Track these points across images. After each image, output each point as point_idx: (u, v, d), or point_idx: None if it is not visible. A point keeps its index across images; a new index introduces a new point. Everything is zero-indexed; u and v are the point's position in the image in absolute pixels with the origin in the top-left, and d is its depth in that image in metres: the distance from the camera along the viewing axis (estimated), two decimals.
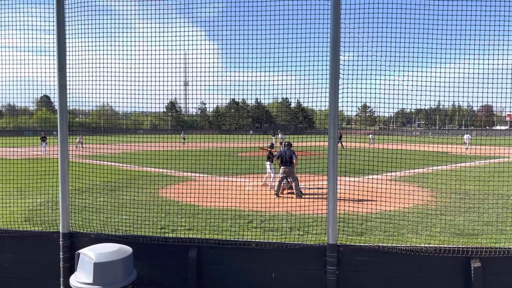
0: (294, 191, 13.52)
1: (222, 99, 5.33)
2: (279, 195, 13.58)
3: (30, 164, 6.29)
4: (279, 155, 14.06)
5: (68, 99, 4.92)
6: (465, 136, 35.30)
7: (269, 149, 15.67)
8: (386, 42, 4.50)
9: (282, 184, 13.82)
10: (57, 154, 4.90)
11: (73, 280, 4.32)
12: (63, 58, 4.78)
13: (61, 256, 4.88)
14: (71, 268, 4.78)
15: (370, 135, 33.45)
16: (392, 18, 4.45)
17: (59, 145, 4.87)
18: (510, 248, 4.46)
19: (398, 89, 4.54)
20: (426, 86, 4.53)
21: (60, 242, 4.89)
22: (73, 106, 5.35)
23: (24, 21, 5.21)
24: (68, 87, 4.90)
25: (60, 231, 4.93)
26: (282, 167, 13.60)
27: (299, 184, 13.56)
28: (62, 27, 4.76)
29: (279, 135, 37.99)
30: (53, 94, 4.97)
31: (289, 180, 13.85)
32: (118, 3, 5.08)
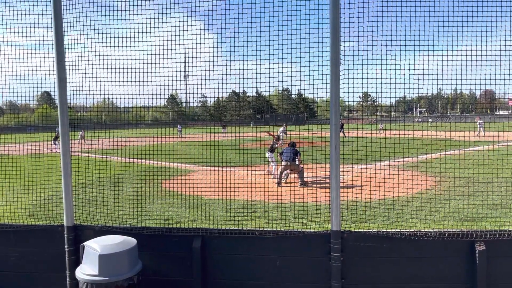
0: (299, 180, 13.63)
1: (222, 89, 5.29)
2: (281, 185, 13.66)
3: (33, 160, 6.29)
4: (281, 152, 14.23)
5: (68, 94, 4.90)
6: (478, 122, 34.84)
7: (274, 140, 15.80)
8: (387, 27, 4.45)
9: (283, 175, 13.96)
10: (53, 151, 4.89)
11: (78, 272, 4.34)
12: (61, 51, 4.75)
13: (66, 249, 4.90)
14: (76, 261, 4.80)
15: (380, 125, 32.98)
16: (392, 2, 4.39)
17: (61, 139, 4.86)
18: None
19: (400, 75, 4.49)
20: (428, 71, 4.49)
21: (65, 235, 4.91)
22: (74, 102, 5.33)
23: (21, 17, 5.18)
24: (68, 81, 4.88)
25: (65, 224, 4.94)
26: (283, 162, 13.73)
27: (304, 174, 13.65)
28: (60, 19, 4.73)
29: (282, 127, 37.60)
30: (54, 90, 4.95)
31: (289, 171, 14.05)
32: None
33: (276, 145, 15.57)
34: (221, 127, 41.12)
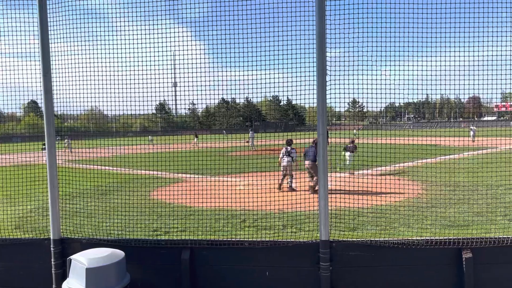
0: (288, 184, 13.57)
1: (212, 98, 5.30)
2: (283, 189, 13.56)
3: (18, 171, 6.20)
4: (305, 153, 13.75)
5: (55, 103, 4.86)
6: (471, 128, 35.26)
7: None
8: (372, 36, 4.52)
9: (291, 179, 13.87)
10: (45, 160, 4.84)
11: (65, 286, 4.28)
12: (47, 63, 4.72)
13: (52, 262, 4.83)
14: (63, 275, 4.73)
15: (355, 130, 33.04)
16: (377, 11, 4.47)
17: (47, 151, 4.81)
18: (501, 238, 4.52)
19: (386, 83, 4.56)
20: (415, 78, 4.56)
21: (51, 249, 4.84)
22: (61, 111, 5.28)
23: (7, 26, 5.14)
24: (54, 91, 4.84)
25: (51, 238, 4.87)
26: (307, 161, 13.47)
27: (293, 180, 13.62)
28: (46, 31, 4.70)
29: (250, 133, 37.56)
30: (41, 99, 4.91)
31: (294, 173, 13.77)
32: (102, 5, 5.02)
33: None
34: (194, 136, 39.45)
